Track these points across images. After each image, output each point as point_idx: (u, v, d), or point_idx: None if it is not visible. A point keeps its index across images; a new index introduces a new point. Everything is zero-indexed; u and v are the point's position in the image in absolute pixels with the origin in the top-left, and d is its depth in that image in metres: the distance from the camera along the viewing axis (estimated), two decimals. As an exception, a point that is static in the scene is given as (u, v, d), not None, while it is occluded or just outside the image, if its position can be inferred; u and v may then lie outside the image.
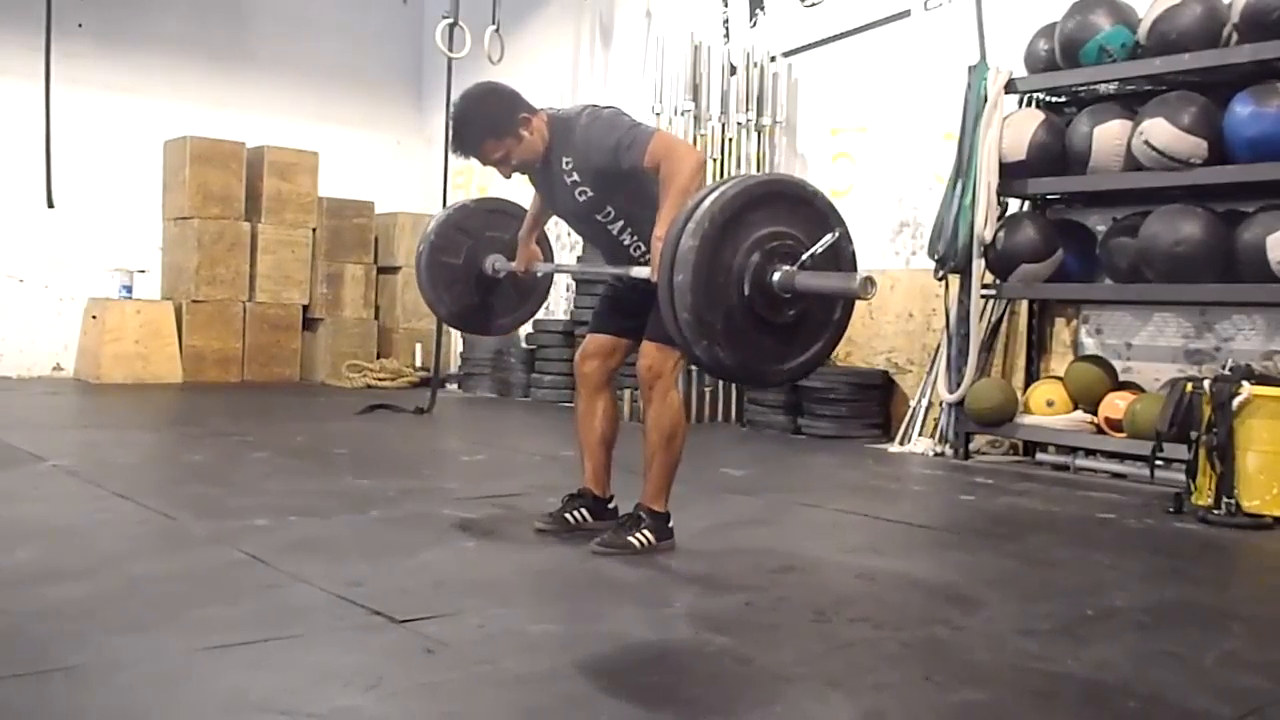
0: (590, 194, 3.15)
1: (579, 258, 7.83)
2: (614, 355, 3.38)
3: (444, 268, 3.67)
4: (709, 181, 3.03)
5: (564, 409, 6.88)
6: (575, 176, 3.14)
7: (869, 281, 2.58)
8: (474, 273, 3.69)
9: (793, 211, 2.73)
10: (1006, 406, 5.26)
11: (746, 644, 2.40)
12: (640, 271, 3.07)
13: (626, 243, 3.24)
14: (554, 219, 3.63)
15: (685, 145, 3.09)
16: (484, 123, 3.14)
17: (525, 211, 3.75)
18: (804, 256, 2.66)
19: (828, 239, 2.71)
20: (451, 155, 3.28)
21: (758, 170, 6.84)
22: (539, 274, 3.73)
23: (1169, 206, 4.70)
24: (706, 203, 2.61)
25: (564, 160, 3.14)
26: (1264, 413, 4.00)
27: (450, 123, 3.23)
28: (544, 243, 3.72)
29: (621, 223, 3.21)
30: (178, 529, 3.38)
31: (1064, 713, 2.09)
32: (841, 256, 2.78)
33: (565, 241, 8.11)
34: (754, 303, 2.65)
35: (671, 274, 2.58)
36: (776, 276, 2.64)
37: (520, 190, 3.64)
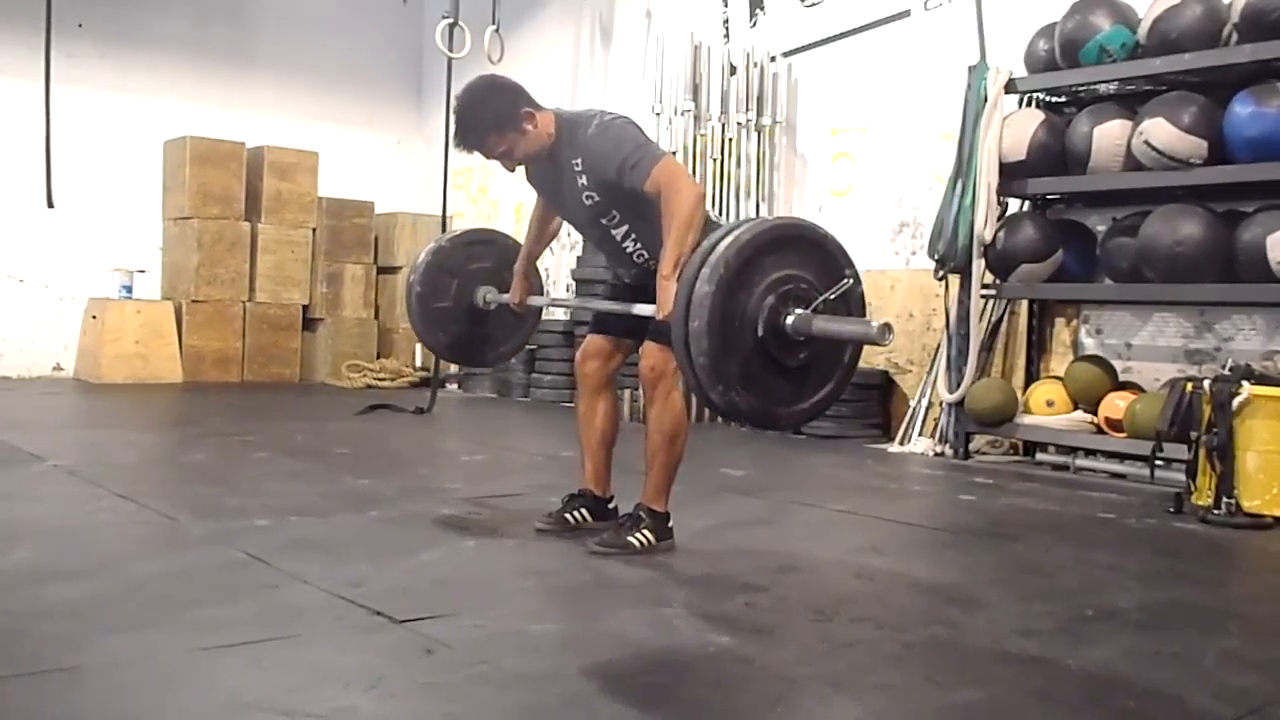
0: (597, 199, 3.15)
1: (579, 257, 7.84)
2: (615, 355, 3.37)
3: (436, 313, 3.68)
4: (707, 201, 3.03)
5: (564, 409, 6.89)
6: (585, 180, 3.13)
7: (886, 328, 2.58)
8: (464, 308, 3.69)
9: (805, 254, 2.74)
10: (1006, 406, 5.26)
11: (746, 644, 2.40)
12: (644, 309, 3.06)
13: (629, 249, 3.24)
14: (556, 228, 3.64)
15: (687, 178, 3.08)
16: (487, 116, 3.13)
17: (506, 236, 3.76)
18: (817, 301, 2.67)
19: (842, 285, 2.72)
20: (454, 149, 3.27)
21: (758, 171, 6.85)
22: (532, 306, 3.72)
23: (1169, 206, 4.70)
24: (721, 247, 2.61)
25: (575, 162, 3.13)
26: (1264, 413, 4.00)
27: (453, 116, 3.22)
28: (536, 275, 3.72)
29: (625, 228, 3.20)
30: (178, 529, 3.38)
31: (1064, 713, 2.09)
32: (851, 298, 2.79)
33: (565, 240, 8.12)
34: (768, 346, 2.66)
35: (687, 320, 2.59)
36: (790, 320, 2.65)
37: (511, 203, 3.63)
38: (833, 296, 2.71)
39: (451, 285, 3.67)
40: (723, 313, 2.59)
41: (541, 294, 3.80)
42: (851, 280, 2.79)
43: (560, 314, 8.20)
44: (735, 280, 2.59)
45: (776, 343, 2.67)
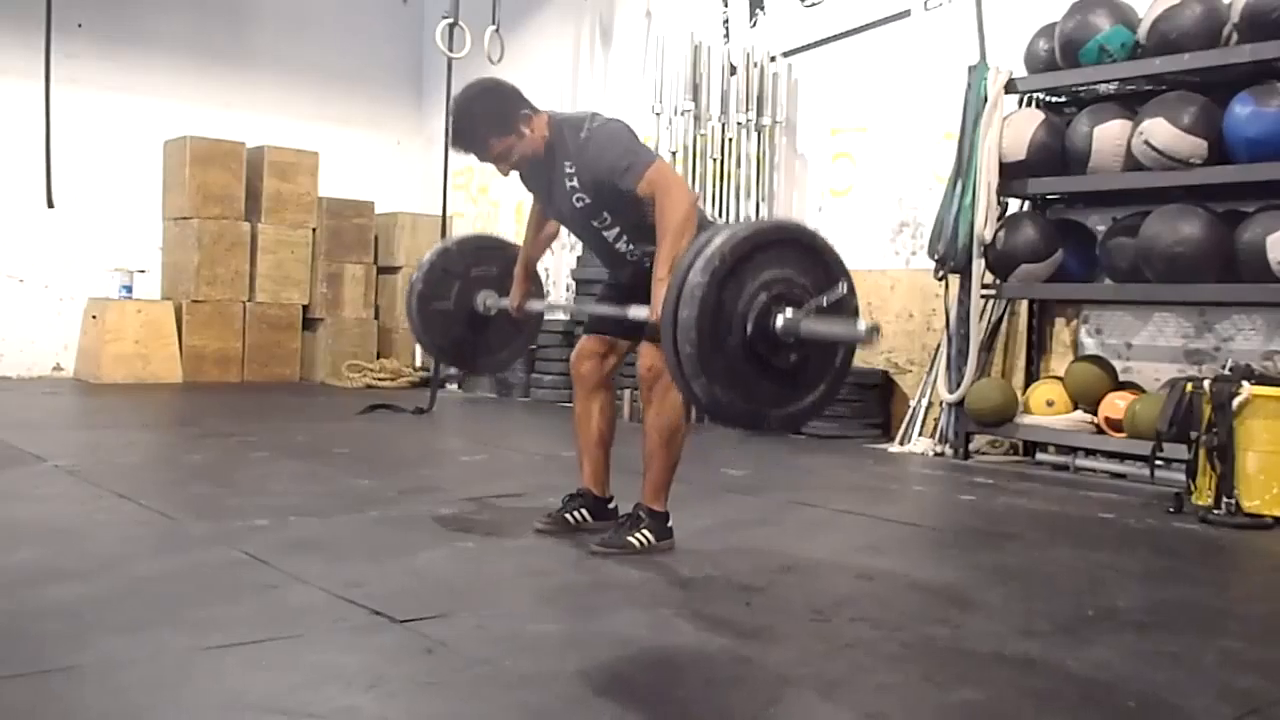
0: (588, 201, 3.15)
1: (579, 258, 7.84)
2: (611, 355, 3.37)
3: (435, 314, 3.67)
4: (706, 201, 3.03)
5: (564, 409, 6.87)
6: (575, 183, 3.14)
7: (874, 330, 2.58)
8: (465, 312, 3.68)
9: (801, 258, 2.74)
10: (1006, 406, 5.26)
11: (746, 644, 2.40)
12: (639, 312, 3.06)
13: (622, 250, 3.24)
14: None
15: (680, 184, 3.08)
16: (485, 119, 3.13)
17: (509, 243, 3.76)
18: (810, 304, 2.67)
19: (837, 291, 2.72)
20: (451, 151, 3.27)
21: (758, 171, 6.84)
22: (531, 312, 3.72)
23: (1169, 206, 4.70)
24: (718, 241, 2.61)
25: (566, 165, 3.14)
26: (1264, 413, 4.00)
27: (450, 118, 3.22)
28: (536, 279, 3.72)
29: (618, 229, 3.21)
30: (178, 529, 3.38)
31: (1064, 713, 2.09)
32: (845, 306, 2.79)
33: (565, 241, 8.12)
34: (755, 344, 2.65)
35: (676, 309, 2.58)
36: (780, 321, 2.65)
37: (511, 203, 3.63)
38: (825, 304, 2.70)
39: (453, 288, 3.67)
40: (714, 305, 2.58)
41: (542, 298, 3.80)
42: (846, 291, 2.78)
43: (561, 314, 8.21)
44: (729, 275, 2.58)
45: (765, 342, 2.66)
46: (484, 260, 3.71)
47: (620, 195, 3.07)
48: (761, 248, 2.66)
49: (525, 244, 3.60)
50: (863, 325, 2.60)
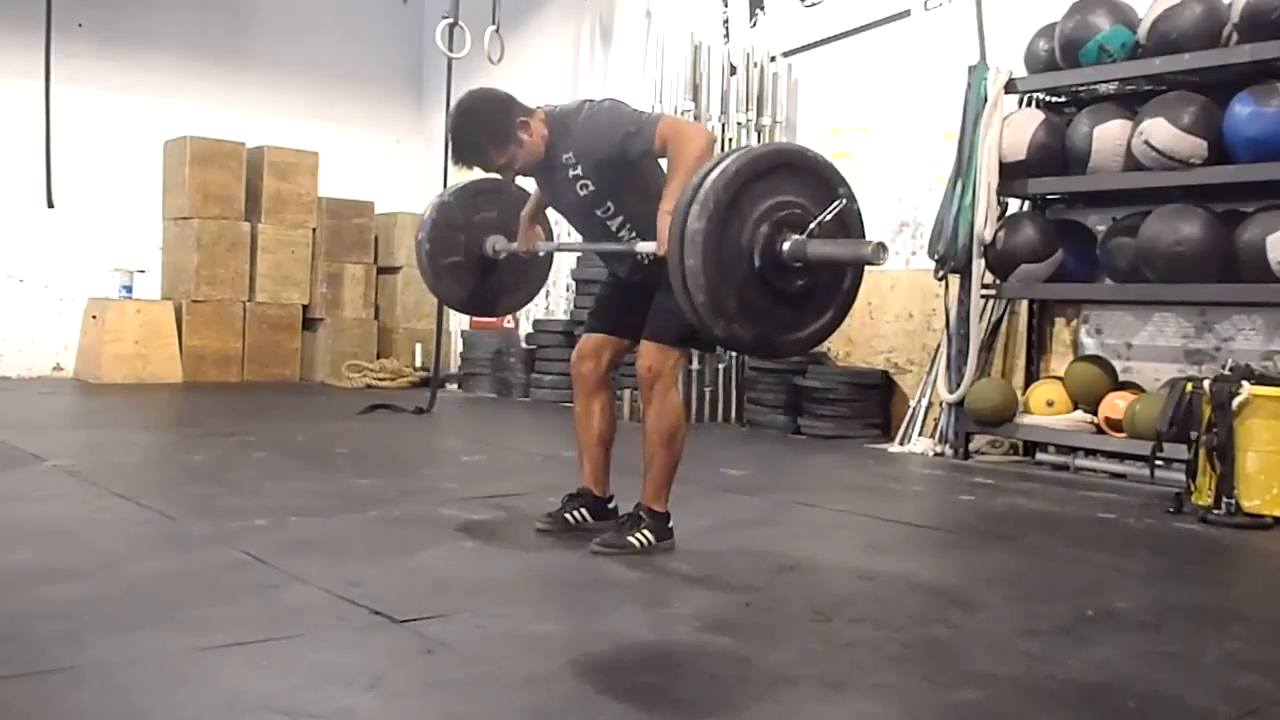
0: (592, 188, 3.15)
1: (579, 258, 7.83)
2: (611, 355, 3.37)
3: (446, 268, 3.67)
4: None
5: (564, 409, 6.86)
6: (578, 170, 3.13)
7: (880, 246, 2.57)
8: (475, 259, 3.68)
9: (796, 179, 2.73)
10: (1006, 406, 5.26)
11: (746, 644, 2.40)
12: (646, 246, 3.04)
13: (626, 240, 3.24)
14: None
15: (692, 125, 3.09)
16: (484, 132, 3.13)
17: (513, 187, 3.71)
18: (811, 225, 2.65)
19: (835, 206, 2.70)
20: (453, 167, 3.26)
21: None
22: (540, 253, 3.70)
23: (1169, 206, 4.70)
24: (709, 180, 2.59)
25: (565, 155, 3.13)
26: (1264, 413, 4.00)
27: (449, 134, 3.22)
28: (544, 222, 3.69)
29: (621, 218, 3.20)
30: (178, 529, 3.38)
31: (1064, 713, 2.09)
32: (848, 218, 2.78)
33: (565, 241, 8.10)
34: (765, 274, 2.65)
35: (682, 258, 2.58)
36: (786, 246, 2.64)
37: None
38: (828, 218, 2.69)
39: (460, 239, 3.65)
40: (717, 246, 2.57)
41: (551, 240, 3.78)
42: (845, 200, 2.77)
43: (561, 314, 8.21)
44: (726, 213, 2.58)
45: (774, 270, 2.65)
46: (483, 206, 3.69)
47: (626, 172, 3.06)
48: (754, 178, 2.64)
49: (533, 196, 3.56)
50: (869, 244, 2.59)
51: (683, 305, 2.67)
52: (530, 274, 3.87)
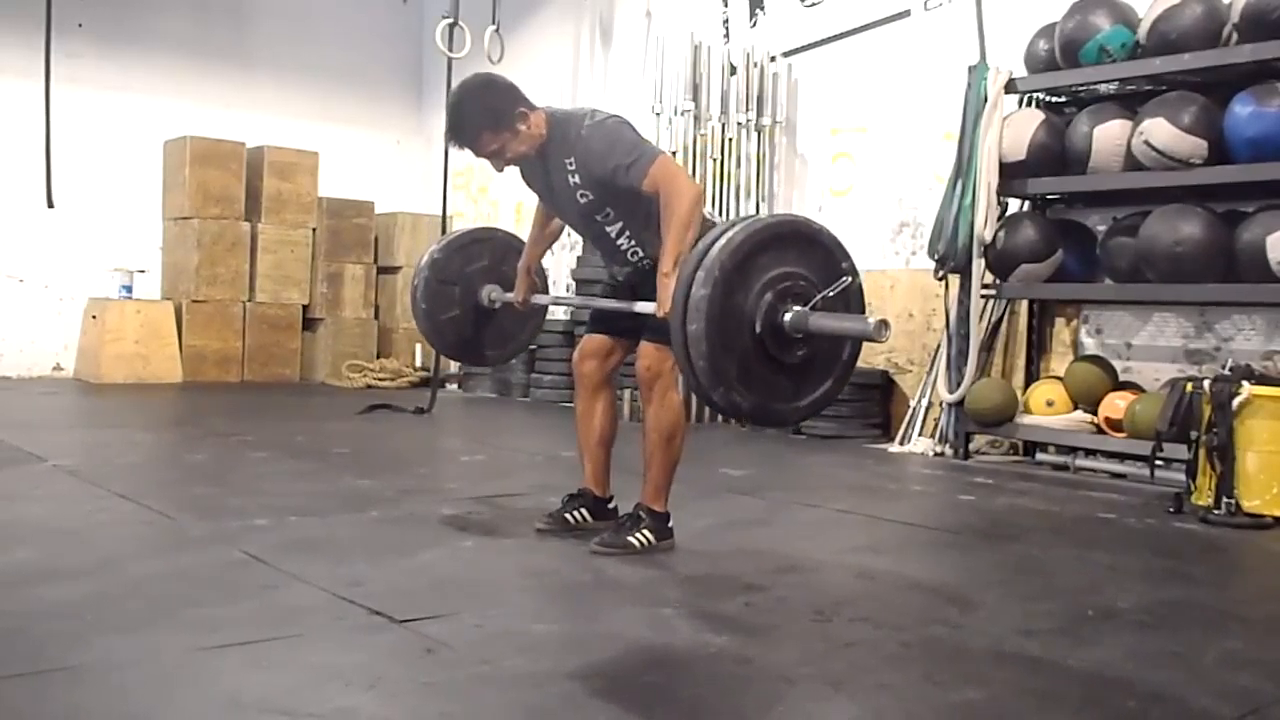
0: (590, 198, 3.15)
1: (579, 257, 7.84)
2: (612, 355, 3.37)
3: (443, 322, 3.71)
4: (707, 201, 3.04)
5: (564, 409, 6.88)
6: (577, 179, 3.13)
7: (883, 324, 2.59)
8: (471, 310, 3.71)
9: (801, 250, 2.75)
10: (1006, 406, 5.26)
11: (746, 644, 2.40)
12: (645, 307, 3.06)
13: (624, 246, 3.24)
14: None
15: (685, 176, 3.09)
16: (482, 114, 3.12)
17: (500, 230, 3.78)
18: (816, 299, 2.67)
19: (840, 283, 2.73)
20: (447, 144, 3.26)
21: (758, 171, 6.85)
22: (536, 305, 3.73)
23: (1169, 206, 4.70)
24: (715, 249, 2.61)
25: (567, 161, 3.13)
26: (1264, 413, 4.00)
27: (447, 112, 3.21)
28: (540, 274, 3.72)
29: (620, 224, 3.20)
30: (178, 529, 3.38)
31: (1064, 713, 2.09)
32: (850, 295, 2.79)
33: (565, 240, 8.11)
34: (766, 344, 2.67)
35: (684, 322, 2.59)
36: (788, 317, 2.66)
37: (511, 203, 3.63)
38: (831, 294, 2.71)
39: (455, 293, 3.69)
40: (720, 314, 2.59)
41: (546, 292, 3.82)
42: (850, 277, 2.79)
43: (561, 314, 8.20)
44: (731, 281, 2.60)
45: (774, 340, 2.67)
46: (475, 256, 3.72)
47: (623, 191, 3.07)
48: (760, 248, 2.66)
49: (530, 240, 3.59)
50: (872, 320, 2.60)
51: (682, 371, 2.70)
52: (523, 325, 3.91)
